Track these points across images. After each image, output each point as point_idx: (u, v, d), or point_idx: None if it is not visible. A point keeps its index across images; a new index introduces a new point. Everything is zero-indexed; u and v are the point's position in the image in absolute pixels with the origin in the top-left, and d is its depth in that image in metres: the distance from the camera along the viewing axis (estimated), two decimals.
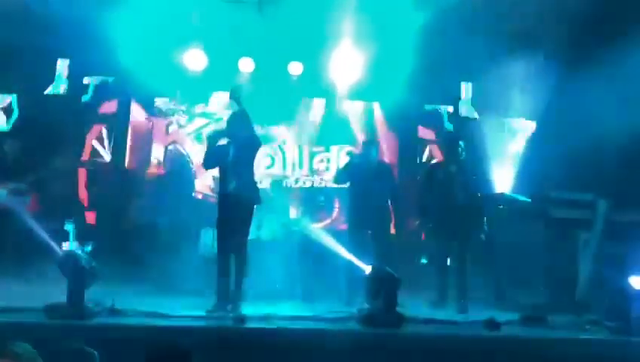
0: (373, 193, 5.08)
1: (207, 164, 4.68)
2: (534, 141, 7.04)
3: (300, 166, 7.25)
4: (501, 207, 5.32)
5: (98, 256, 4.21)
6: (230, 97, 4.58)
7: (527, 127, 7.20)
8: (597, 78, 5.44)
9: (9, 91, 6.83)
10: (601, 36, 5.94)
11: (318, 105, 7.29)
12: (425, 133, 7.26)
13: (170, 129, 7.16)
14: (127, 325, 3.76)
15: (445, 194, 5.00)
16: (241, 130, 4.36)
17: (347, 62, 6.68)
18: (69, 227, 6.67)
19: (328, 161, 7.24)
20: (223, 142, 4.47)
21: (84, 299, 3.85)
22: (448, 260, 5.25)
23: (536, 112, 6.93)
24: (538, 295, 4.51)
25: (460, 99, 7.17)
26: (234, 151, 4.33)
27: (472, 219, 5.08)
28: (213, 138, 4.52)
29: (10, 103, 6.83)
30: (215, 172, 4.74)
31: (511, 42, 6.27)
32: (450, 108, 7.21)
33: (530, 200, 5.06)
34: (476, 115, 7.15)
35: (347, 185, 5.42)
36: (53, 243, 4.58)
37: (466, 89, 7.20)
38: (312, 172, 7.20)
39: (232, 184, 4.32)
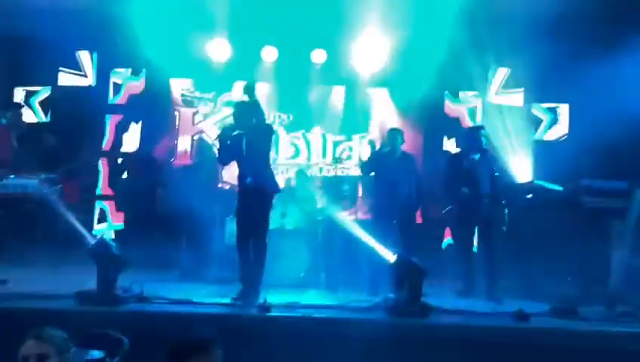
0: (398, 182, 5.03)
1: (223, 160, 4.63)
2: (567, 127, 6.83)
3: (324, 155, 7.23)
4: (529, 196, 5.18)
5: (125, 245, 4.28)
6: (243, 93, 4.50)
7: (559, 112, 6.99)
8: (633, 63, 5.21)
9: (44, 84, 7.02)
10: (638, 19, 5.70)
11: (341, 94, 7.24)
12: (454, 112, 7.11)
13: (197, 119, 7.24)
14: (155, 312, 3.84)
15: (469, 183, 4.92)
16: (251, 120, 4.28)
17: (371, 49, 6.58)
18: (97, 216, 6.87)
19: (350, 149, 7.20)
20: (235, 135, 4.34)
21: (115, 286, 3.95)
22: (474, 249, 5.18)
23: (569, 98, 6.71)
24: (569, 286, 4.39)
25: (488, 85, 6.99)
26: (247, 143, 4.27)
27: (496, 209, 4.98)
28: (224, 133, 4.41)
29: (48, 96, 7.03)
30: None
31: (542, 26, 6.06)
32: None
33: (561, 188, 4.91)
34: (506, 101, 6.96)
35: (372, 174, 5.37)
36: (84, 232, 4.71)
37: (494, 74, 7.02)
38: (337, 160, 7.17)
39: (248, 177, 4.29)
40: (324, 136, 7.24)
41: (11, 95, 6.90)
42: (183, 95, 7.20)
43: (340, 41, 6.68)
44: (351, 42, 6.64)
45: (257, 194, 4.30)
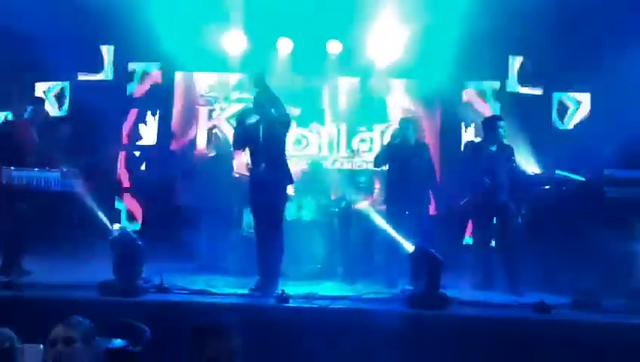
0: (411, 173, 4.97)
1: (237, 145, 4.61)
2: (589, 116, 6.69)
3: (339, 147, 7.21)
4: (547, 187, 5.10)
5: (144, 236, 4.34)
6: (254, 84, 4.45)
7: (581, 101, 6.84)
8: None
9: (61, 79, 7.12)
10: None
11: (357, 84, 7.20)
12: (472, 98, 7.03)
13: (214, 114, 7.28)
14: (175, 302, 3.90)
15: (487, 173, 4.86)
16: (269, 109, 4.26)
17: (387, 38, 6.50)
18: (117, 208, 6.98)
19: (372, 140, 7.16)
20: (252, 121, 4.34)
21: (136, 277, 4.01)
22: (493, 241, 5.12)
23: (591, 86, 6.56)
24: (591, 278, 4.31)
25: (507, 73, 6.88)
26: (263, 131, 4.26)
27: (514, 201, 4.90)
28: (241, 118, 4.42)
29: (62, 90, 7.13)
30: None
31: (563, 12, 5.92)
32: (497, 84, 6.95)
33: (584, 178, 4.81)
34: (525, 90, 6.84)
35: (386, 166, 5.32)
36: (106, 223, 4.80)
37: (513, 63, 6.89)
38: (353, 152, 7.15)
39: (262, 165, 4.29)
40: (339, 128, 7.21)
41: (33, 90, 7.02)
42: (201, 95, 7.23)
43: (355, 32, 6.61)
44: (367, 32, 6.56)
45: (271, 184, 4.29)
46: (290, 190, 4.76)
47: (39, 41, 5.93)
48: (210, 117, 7.26)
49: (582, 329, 3.56)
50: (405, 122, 5.27)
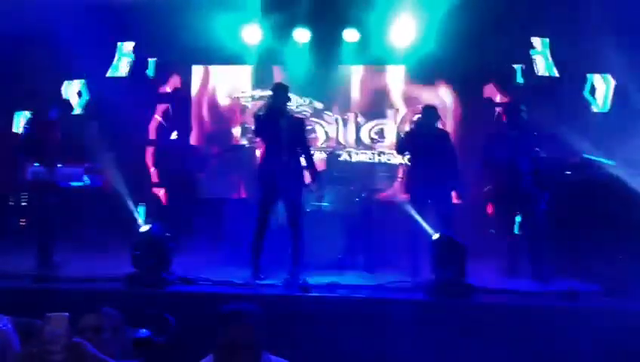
0: (433, 161, 4.90)
1: (259, 134, 4.81)
2: (614, 99, 6.47)
3: (359, 136, 7.17)
4: (568, 173, 4.98)
5: (170, 229, 4.41)
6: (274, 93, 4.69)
7: (608, 83, 6.62)
8: None
9: (85, 77, 7.27)
10: None
11: (374, 73, 7.13)
12: (493, 93, 6.88)
13: (249, 108, 7.33)
14: (200, 293, 3.96)
15: (509, 160, 4.76)
16: (286, 108, 4.60)
17: (405, 24, 6.40)
18: (144, 202, 7.10)
19: (383, 130, 7.10)
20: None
21: (164, 269, 4.09)
22: (516, 227, 5.03)
23: (621, 68, 6.32)
24: (621, 264, 4.18)
25: (531, 57, 6.70)
26: (283, 126, 4.48)
27: (538, 187, 4.79)
28: (266, 108, 4.63)
29: (87, 88, 7.28)
30: None
31: None
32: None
33: (613, 162, 4.67)
34: (553, 73, 6.65)
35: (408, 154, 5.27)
36: (134, 217, 4.90)
37: (541, 44, 6.71)
38: (372, 141, 7.10)
39: (283, 157, 4.45)
40: (357, 117, 7.17)
41: (59, 89, 7.18)
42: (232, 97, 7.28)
43: (372, 20, 6.52)
44: (384, 20, 6.47)
45: (290, 177, 4.45)
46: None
47: (63, 41, 6.05)
48: (242, 111, 7.30)
49: (612, 317, 3.47)
50: (428, 109, 5.18)
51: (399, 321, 3.46)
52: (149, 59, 7.29)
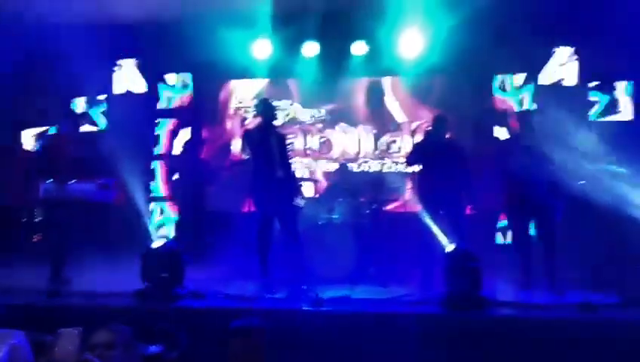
0: (443, 172, 4.87)
1: (249, 150, 5.04)
2: (630, 106, 6.39)
3: (370, 148, 7.17)
4: (582, 182, 4.91)
5: (181, 242, 4.42)
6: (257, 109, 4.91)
7: (619, 91, 6.54)
8: None
9: (96, 94, 7.38)
10: None
11: (384, 84, 7.15)
12: (503, 104, 6.86)
13: (248, 121, 7.38)
14: (210, 308, 3.94)
15: (522, 170, 4.71)
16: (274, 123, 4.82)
17: (413, 35, 6.41)
18: (155, 216, 7.15)
19: (398, 141, 7.09)
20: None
21: (176, 284, 4.09)
22: (531, 239, 4.95)
23: (631, 75, 6.27)
24: (638, 273, 4.10)
25: (541, 65, 6.67)
26: (270, 142, 4.67)
27: (551, 196, 4.72)
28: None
29: (98, 104, 7.39)
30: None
31: None
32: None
33: (625, 170, 4.60)
34: (562, 82, 6.61)
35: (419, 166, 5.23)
36: (146, 231, 4.92)
37: (547, 54, 6.68)
38: (382, 153, 7.09)
39: (276, 172, 4.62)
40: (368, 129, 7.17)
41: (69, 105, 7.29)
42: (236, 106, 7.35)
43: (381, 32, 6.55)
44: (393, 31, 6.50)
45: (283, 192, 4.64)
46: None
47: (74, 58, 6.16)
48: (243, 123, 7.36)
49: (630, 329, 3.38)
50: (438, 120, 5.16)
51: (413, 335, 3.41)
52: (162, 75, 7.38)
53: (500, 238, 6.47)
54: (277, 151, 4.66)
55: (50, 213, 4.82)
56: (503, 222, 6.35)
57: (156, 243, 4.31)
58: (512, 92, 6.83)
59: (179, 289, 4.13)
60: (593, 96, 6.59)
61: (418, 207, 5.22)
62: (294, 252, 4.66)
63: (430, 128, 5.19)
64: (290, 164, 4.91)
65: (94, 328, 2.22)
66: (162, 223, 7.17)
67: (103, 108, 7.38)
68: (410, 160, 5.24)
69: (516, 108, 6.72)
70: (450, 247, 4.08)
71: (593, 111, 6.58)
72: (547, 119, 5.12)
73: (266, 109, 4.81)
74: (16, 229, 6.39)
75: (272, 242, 4.70)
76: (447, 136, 5.09)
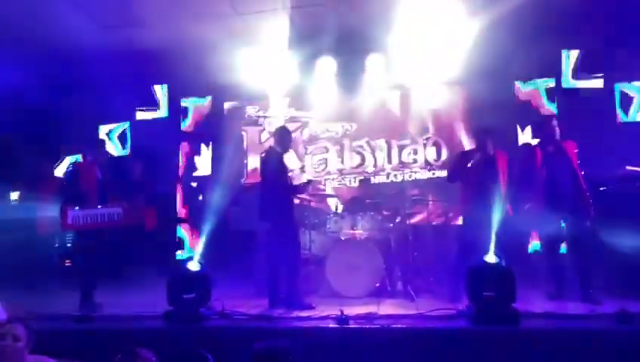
0: (492, 186, 4.63)
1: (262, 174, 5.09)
2: None
3: (390, 160, 7.13)
4: (603, 189, 4.74)
5: (204, 264, 4.44)
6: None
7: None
8: None
9: (121, 120, 7.60)
10: None
11: (401, 97, 7.13)
12: (526, 97, 6.73)
13: (263, 137, 7.46)
14: (237, 327, 3.94)
15: (548, 176, 4.58)
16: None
17: (430, 46, 6.39)
18: (179, 238, 7.23)
19: (416, 152, 7.04)
20: None
21: (202, 305, 4.12)
22: (562, 247, 4.79)
23: None
24: None
25: (563, 69, 6.54)
26: (284, 168, 4.88)
27: (580, 202, 4.57)
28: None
29: (124, 130, 7.60)
30: None
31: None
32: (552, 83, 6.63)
33: None
34: (585, 84, 6.46)
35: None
36: (172, 254, 4.96)
37: (568, 57, 6.55)
38: (402, 165, 7.04)
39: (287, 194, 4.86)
40: (387, 142, 7.14)
41: (96, 132, 7.52)
42: (247, 115, 7.48)
43: (397, 44, 6.55)
44: (408, 43, 6.49)
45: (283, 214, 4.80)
46: None
47: (99, 86, 6.36)
48: (260, 140, 7.43)
49: None
50: (481, 132, 4.96)
51: (443, 352, 3.32)
52: (182, 99, 7.55)
53: (531, 247, 6.29)
54: (286, 176, 4.82)
55: (78, 238, 4.93)
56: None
57: (182, 265, 4.35)
58: (534, 84, 6.69)
59: (205, 309, 4.14)
60: (632, 93, 6.40)
61: (463, 221, 5.08)
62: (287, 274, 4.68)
63: (476, 141, 5.03)
64: (295, 189, 5.05)
65: (120, 352, 2.24)
66: (187, 245, 7.25)
67: (128, 133, 7.58)
68: (452, 177, 5.03)
69: (542, 110, 6.58)
70: (492, 258, 3.94)
71: (629, 109, 6.39)
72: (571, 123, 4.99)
73: (282, 138, 4.91)
74: (49, 254, 6.55)
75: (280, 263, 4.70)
76: (488, 147, 4.82)
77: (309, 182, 5.45)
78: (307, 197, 5.93)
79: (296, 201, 6.32)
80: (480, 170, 4.71)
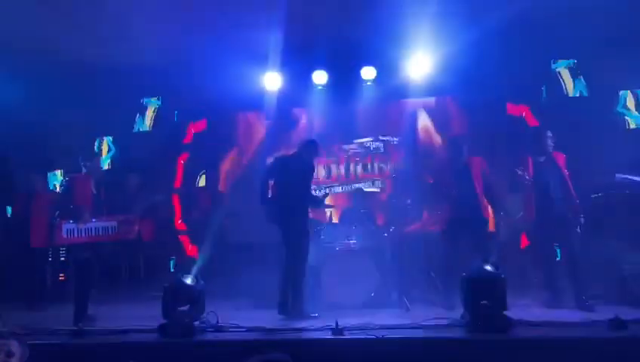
0: (467, 192, 4.81)
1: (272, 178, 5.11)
2: None
3: (379, 170, 7.17)
4: (597, 195, 4.80)
5: (200, 276, 4.44)
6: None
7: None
8: None
9: (115, 133, 7.62)
10: None
11: (395, 107, 7.20)
12: (515, 110, 6.81)
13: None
14: (232, 340, 3.92)
15: (539, 186, 4.64)
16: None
17: (422, 57, 6.47)
18: (175, 250, 7.22)
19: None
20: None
21: (196, 317, 4.11)
22: (557, 254, 4.85)
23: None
24: None
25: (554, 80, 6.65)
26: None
27: (571, 211, 4.63)
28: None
29: (118, 143, 7.62)
30: None
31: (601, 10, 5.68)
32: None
33: None
34: (579, 92, 6.56)
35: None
36: (167, 266, 4.96)
37: (559, 69, 6.66)
38: (395, 174, 7.10)
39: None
40: (384, 151, 7.19)
41: (92, 145, 7.53)
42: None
43: (389, 56, 6.63)
44: (401, 56, 6.57)
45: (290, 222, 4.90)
46: None
47: (92, 100, 6.39)
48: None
49: None
50: (456, 140, 5.14)
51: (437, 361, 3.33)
52: (176, 112, 7.58)
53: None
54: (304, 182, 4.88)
55: (72, 252, 4.92)
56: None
57: (177, 277, 4.34)
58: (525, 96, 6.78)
59: (199, 322, 4.13)
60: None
61: (435, 227, 5.17)
62: (292, 281, 4.71)
63: (449, 148, 5.16)
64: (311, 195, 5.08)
65: None
66: (182, 257, 7.23)
67: (124, 146, 7.60)
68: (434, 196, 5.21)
69: (531, 122, 6.66)
70: (476, 268, 3.98)
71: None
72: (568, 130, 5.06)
73: (310, 150, 5.00)
74: (42, 268, 6.52)
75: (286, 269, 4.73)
76: (465, 156, 5.02)
77: (326, 195, 5.46)
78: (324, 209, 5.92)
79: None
80: (451, 178, 4.87)
